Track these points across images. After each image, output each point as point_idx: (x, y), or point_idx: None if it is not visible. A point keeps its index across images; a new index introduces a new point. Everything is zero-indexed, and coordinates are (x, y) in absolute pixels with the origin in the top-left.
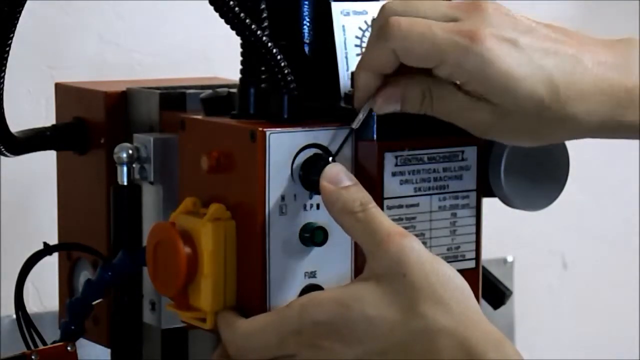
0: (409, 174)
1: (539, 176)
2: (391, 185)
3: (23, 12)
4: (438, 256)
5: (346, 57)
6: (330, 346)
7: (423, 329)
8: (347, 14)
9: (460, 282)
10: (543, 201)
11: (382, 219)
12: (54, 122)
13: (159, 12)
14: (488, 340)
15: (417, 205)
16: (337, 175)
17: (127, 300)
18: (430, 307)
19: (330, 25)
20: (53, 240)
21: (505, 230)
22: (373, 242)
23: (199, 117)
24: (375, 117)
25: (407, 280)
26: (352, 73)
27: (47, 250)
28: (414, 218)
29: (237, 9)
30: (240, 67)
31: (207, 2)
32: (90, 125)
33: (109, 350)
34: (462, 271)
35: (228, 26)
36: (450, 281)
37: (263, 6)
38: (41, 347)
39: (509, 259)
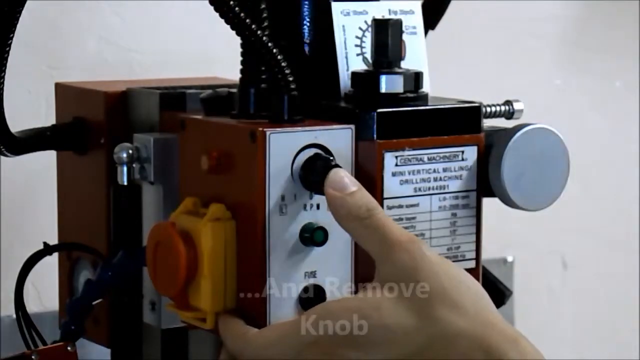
0: (409, 174)
1: (539, 176)
2: (391, 185)
3: (23, 12)
4: (447, 259)
5: (346, 57)
6: (347, 355)
7: (440, 334)
8: (347, 14)
9: (472, 283)
10: (543, 201)
11: (390, 225)
12: (54, 122)
13: (159, 12)
14: (505, 339)
15: (417, 205)
16: (342, 180)
17: (127, 300)
18: (446, 311)
19: (330, 25)
20: (53, 240)
21: (505, 230)
22: (382, 250)
23: (199, 117)
24: (375, 117)
25: (420, 286)
26: None
27: (47, 250)
28: (414, 218)
29: (237, 9)
30: (240, 67)
31: (207, 2)
32: (90, 125)
33: (109, 350)
34: None
35: (228, 26)
36: (462, 284)
37: (263, 6)
38: (41, 347)
39: (509, 259)
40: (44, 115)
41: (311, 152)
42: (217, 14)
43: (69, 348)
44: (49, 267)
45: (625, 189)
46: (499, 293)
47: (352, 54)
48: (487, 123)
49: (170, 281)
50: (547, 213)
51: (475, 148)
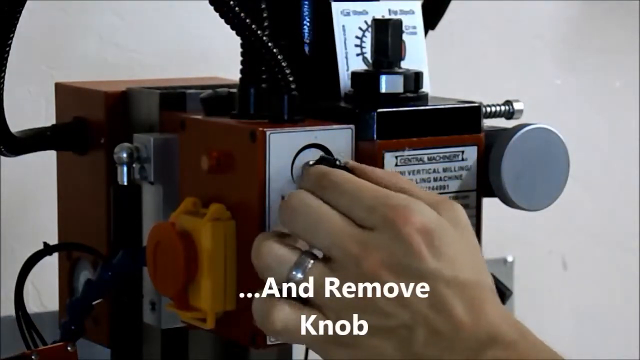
0: (409, 174)
1: (539, 176)
2: None
3: (23, 12)
4: None
5: (346, 57)
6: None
7: None
8: (347, 14)
9: None
10: (543, 201)
11: None
12: (54, 122)
13: (159, 12)
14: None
15: None
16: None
17: (127, 300)
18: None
19: (330, 25)
20: (53, 240)
21: (505, 230)
22: None
23: (199, 117)
24: (375, 117)
25: None
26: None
27: (47, 250)
28: None
29: (237, 9)
30: (240, 67)
31: (207, 2)
32: (90, 125)
33: (109, 350)
34: None
35: (228, 26)
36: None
37: (263, 6)
38: (41, 347)
39: (509, 259)
40: (44, 115)
41: (311, 152)
42: (217, 14)
43: (69, 348)
44: (49, 267)
45: (625, 189)
46: (499, 293)
47: (352, 54)
48: (487, 123)
49: (170, 281)
50: (547, 213)
51: (475, 148)
